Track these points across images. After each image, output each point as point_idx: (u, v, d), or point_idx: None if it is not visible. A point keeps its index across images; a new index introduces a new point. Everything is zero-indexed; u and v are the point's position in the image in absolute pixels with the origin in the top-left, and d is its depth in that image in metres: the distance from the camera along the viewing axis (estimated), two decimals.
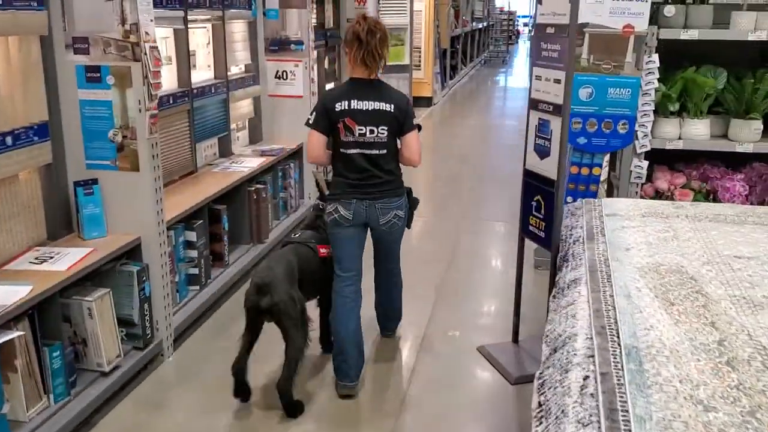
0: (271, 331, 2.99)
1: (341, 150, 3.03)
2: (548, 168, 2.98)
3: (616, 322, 2.00)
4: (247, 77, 5.11)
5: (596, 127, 3.89)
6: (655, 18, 3.87)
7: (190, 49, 4.18)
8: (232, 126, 4.94)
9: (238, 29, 4.97)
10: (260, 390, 3.15)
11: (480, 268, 4.83)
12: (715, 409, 1.53)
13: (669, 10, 3.90)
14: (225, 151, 4.83)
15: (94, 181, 3.10)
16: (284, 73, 5.29)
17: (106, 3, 2.92)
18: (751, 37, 3.82)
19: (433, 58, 11.46)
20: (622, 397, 1.62)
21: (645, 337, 1.89)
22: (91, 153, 3.11)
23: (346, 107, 2.97)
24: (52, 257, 2.87)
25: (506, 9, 27.53)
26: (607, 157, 4.41)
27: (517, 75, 19.40)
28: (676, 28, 3.88)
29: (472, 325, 3.80)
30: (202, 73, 4.52)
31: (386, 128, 3.00)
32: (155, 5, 3.05)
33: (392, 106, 3.00)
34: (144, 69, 2.97)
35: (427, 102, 11.44)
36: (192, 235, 3.69)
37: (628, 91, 3.86)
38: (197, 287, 3.78)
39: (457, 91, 14.26)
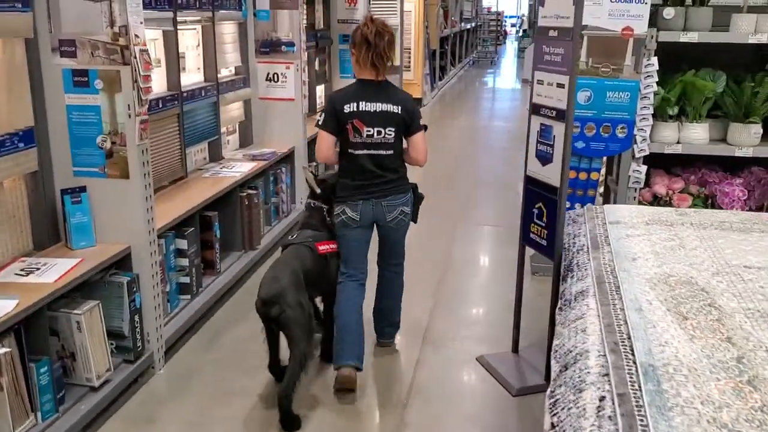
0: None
1: (349, 150, 3.07)
2: (550, 175, 2.91)
3: (629, 338, 1.93)
4: (238, 80, 5.01)
5: (595, 131, 3.84)
6: (653, 20, 3.81)
7: (180, 51, 4.08)
8: (222, 130, 4.84)
9: (228, 30, 4.87)
10: (256, 400, 3.06)
11: (476, 274, 4.76)
12: None
13: (668, 12, 3.84)
14: (215, 156, 4.73)
15: (82, 189, 3.00)
16: (275, 76, 5.19)
17: (93, 4, 2.81)
18: (752, 40, 3.77)
19: (423, 59, 11.39)
20: (642, 420, 1.55)
21: (660, 355, 1.82)
22: (78, 160, 3.00)
23: (355, 109, 3.01)
24: (38, 268, 2.76)
25: (494, 9, 27.55)
26: (603, 161, 4.37)
27: (505, 76, 19.39)
28: (676, 30, 3.83)
29: (471, 334, 3.72)
30: (191, 76, 4.42)
31: (393, 129, 3.05)
32: (143, 6, 2.95)
33: (400, 107, 3.05)
34: (134, 73, 2.87)
35: (416, 103, 11.35)
36: (183, 243, 3.59)
37: (627, 95, 3.81)
38: (188, 296, 3.68)
39: (446, 92, 14.20)
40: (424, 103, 11.76)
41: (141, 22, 2.88)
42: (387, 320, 3.49)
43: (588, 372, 1.82)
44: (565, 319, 2.27)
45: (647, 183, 4.11)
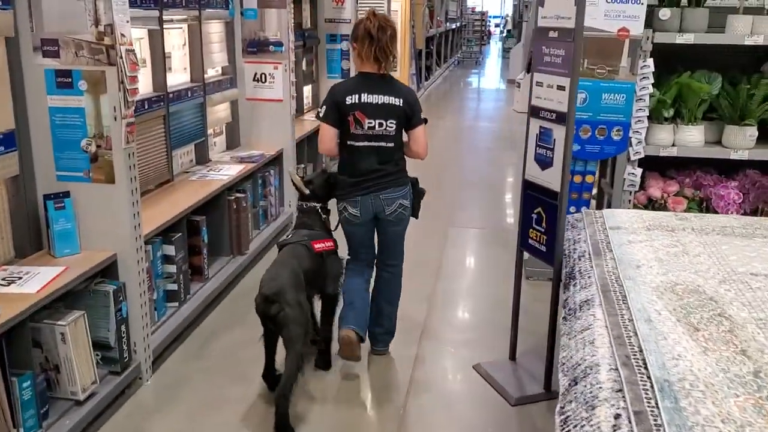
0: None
1: (349, 142, 3.11)
2: (550, 179, 2.84)
3: (641, 351, 1.86)
4: (225, 80, 4.90)
5: (590, 133, 3.78)
6: (649, 21, 3.76)
7: (166, 51, 3.96)
8: (209, 131, 4.73)
9: (214, 30, 4.76)
10: (247, 410, 2.97)
11: (468, 278, 4.69)
12: None
13: (664, 13, 3.80)
14: (202, 158, 4.61)
15: (66, 194, 2.88)
16: (263, 76, 5.08)
17: (77, 2, 2.70)
18: (748, 42, 3.73)
19: (409, 59, 11.32)
20: None
21: (674, 369, 1.75)
22: (62, 164, 2.88)
23: (357, 101, 3.04)
24: (20, 278, 2.65)
25: (478, 9, 27.54)
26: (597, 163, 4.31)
27: (490, 76, 19.39)
28: (671, 31, 3.78)
29: (466, 340, 3.65)
30: (177, 76, 4.31)
31: (395, 122, 3.08)
32: (129, 5, 2.84)
33: (401, 100, 3.08)
34: (119, 74, 2.76)
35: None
36: (170, 249, 3.49)
37: (623, 97, 3.76)
38: (176, 304, 3.58)
39: (432, 93, 14.15)
40: None
41: (127, 21, 2.77)
42: (383, 326, 3.41)
43: (600, 387, 1.75)
44: (570, 329, 2.20)
45: (642, 186, 4.06)
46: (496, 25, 32.92)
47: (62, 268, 2.75)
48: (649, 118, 3.86)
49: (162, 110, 3.91)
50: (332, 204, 3.34)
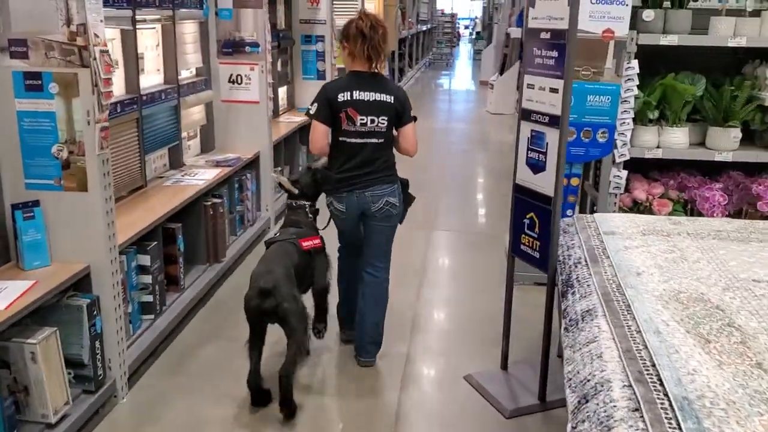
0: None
1: (341, 139, 3.14)
2: (543, 184, 2.76)
3: (654, 366, 1.78)
4: (199, 82, 4.75)
5: (575, 135, 3.72)
6: (633, 23, 3.71)
7: (138, 52, 3.80)
8: (183, 134, 4.57)
9: (188, 30, 4.61)
10: (228, 427, 2.85)
11: (452, 284, 4.60)
12: None
13: (648, 14, 3.76)
14: (176, 162, 4.45)
15: (35, 204, 2.72)
16: (239, 77, 4.94)
17: (48, 0, 2.54)
18: (731, 44, 3.71)
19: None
20: None
21: (692, 385, 1.67)
22: (31, 171, 2.72)
23: (349, 98, 3.08)
24: None
25: (447, 11, 27.58)
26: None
27: (461, 78, 19.41)
28: (655, 33, 3.74)
29: (456, 350, 3.55)
30: (151, 78, 4.14)
31: (386, 118, 3.12)
32: (102, 4, 2.68)
33: (392, 97, 3.12)
34: (93, 76, 2.61)
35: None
36: (145, 259, 3.33)
37: (608, 99, 3.71)
38: (152, 316, 3.42)
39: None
40: None
41: (101, 21, 2.62)
42: (369, 335, 3.30)
43: (614, 406, 1.67)
44: (574, 341, 2.12)
45: (626, 188, 4.02)
46: (466, 27, 33.03)
47: (32, 282, 2.58)
48: (633, 120, 3.81)
49: (135, 113, 3.75)
50: (321, 203, 3.35)
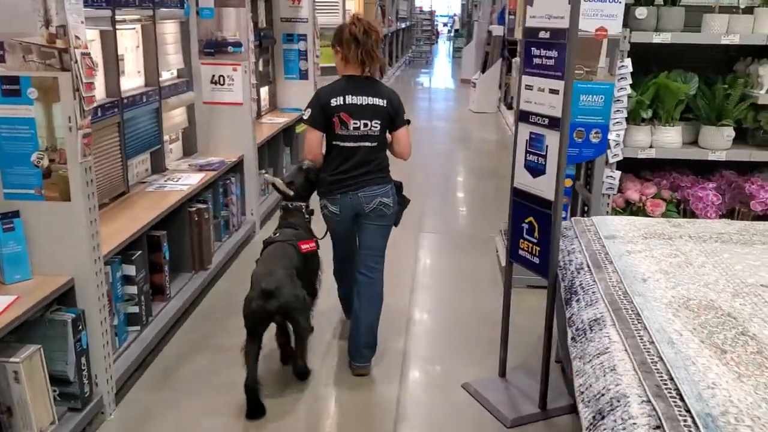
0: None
1: (334, 143, 3.15)
2: (543, 187, 2.69)
3: (671, 379, 1.72)
4: (180, 83, 4.62)
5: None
6: (625, 20, 3.66)
7: (119, 53, 3.67)
8: (165, 138, 4.44)
9: (169, 30, 4.48)
10: None
11: (444, 287, 4.52)
12: None
13: (641, 12, 3.70)
14: (158, 167, 4.32)
15: (15, 214, 2.59)
16: (221, 78, 4.82)
17: (25, 0, 2.42)
18: (725, 41, 3.67)
19: None
20: None
21: (713, 400, 1.61)
22: (10, 181, 2.59)
23: (342, 102, 3.08)
24: None
25: (425, 9, 27.52)
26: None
27: (441, 76, 19.37)
28: (648, 30, 3.69)
29: (451, 356, 3.47)
30: (131, 80, 4.01)
31: (379, 122, 3.12)
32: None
33: (385, 101, 3.13)
34: (74, 80, 2.49)
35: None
36: (130, 269, 3.22)
37: (602, 98, 3.65)
38: (138, 328, 3.30)
39: None
40: None
41: (81, 22, 2.50)
42: (363, 337, 3.24)
43: (634, 423, 1.60)
44: (583, 352, 2.05)
45: (618, 188, 3.97)
46: (444, 24, 33.01)
47: (13, 297, 2.46)
48: (626, 119, 3.76)
49: (116, 117, 3.62)
50: (314, 203, 3.39)
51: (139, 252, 3.29)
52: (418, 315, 4.01)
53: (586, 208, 4.17)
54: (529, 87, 2.75)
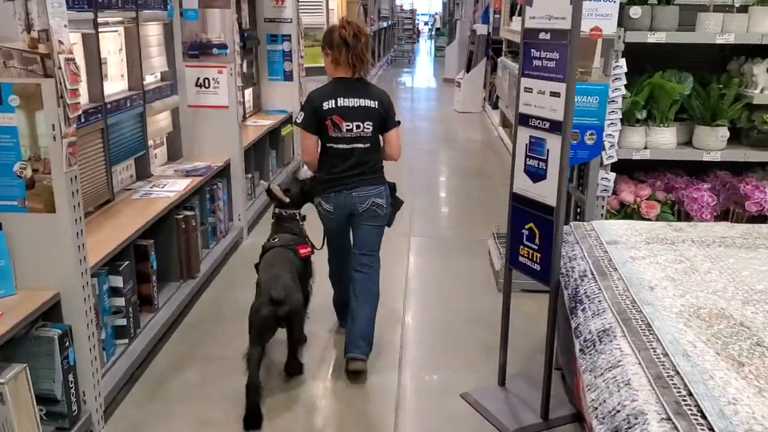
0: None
1: (328, 145, 3.17)
2: (544, 193, 2.63)
3: (690, 395, 1.66)
4: (165, 86, 4.50)
5: None
6: (619, 20, 3.61)
7: (101, 56, 3.56)
8: (149, 143, 4.32)
9: (152, 32, 4.36)
10: None
11: (437, 292, 4.44)
12: None
13: (635, 11, 3.66)
14: (143, 173, 4.21)
15: None
16: (206, 81, 4.71)
17: (4, 3, 2.31)
18: (719, 40, 3.64)
19: None
20: None
21: (736, 417, 1.55)
22: None
23: (333, 105, 3.10)
24: None
25: (406, 7, 27.44)
26: None
27: (423, 75, 19.32)
28: (643, 30, 3.65)
29: (449, 364, 3.40)
30: (114, 85, 3.90)
31: (371, 124, 3.15)
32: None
33: (377, 102, 3.16)
34: (58, 86, 2.38)
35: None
36: (118, 281, 3.11)
37: (596, 99, 3.60)
38: (126, 341, 3.20)
39: None
40: None
41: (65, 25, 2.39)
42: (359, 328, 3.21)
43: None
44: (594, 365, 1.99)
45: (612, 190, 3.92)
46: (425, 23, 32.95)
47: None
48: (620, 120, 3.72)
49: (100, 123, 3.51)
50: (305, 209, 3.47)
51: (126, 262, 3.19)
52: (412, 321, 3.94)
53: (579, 210, 4.12)
54: (528, 90, 2.69)
